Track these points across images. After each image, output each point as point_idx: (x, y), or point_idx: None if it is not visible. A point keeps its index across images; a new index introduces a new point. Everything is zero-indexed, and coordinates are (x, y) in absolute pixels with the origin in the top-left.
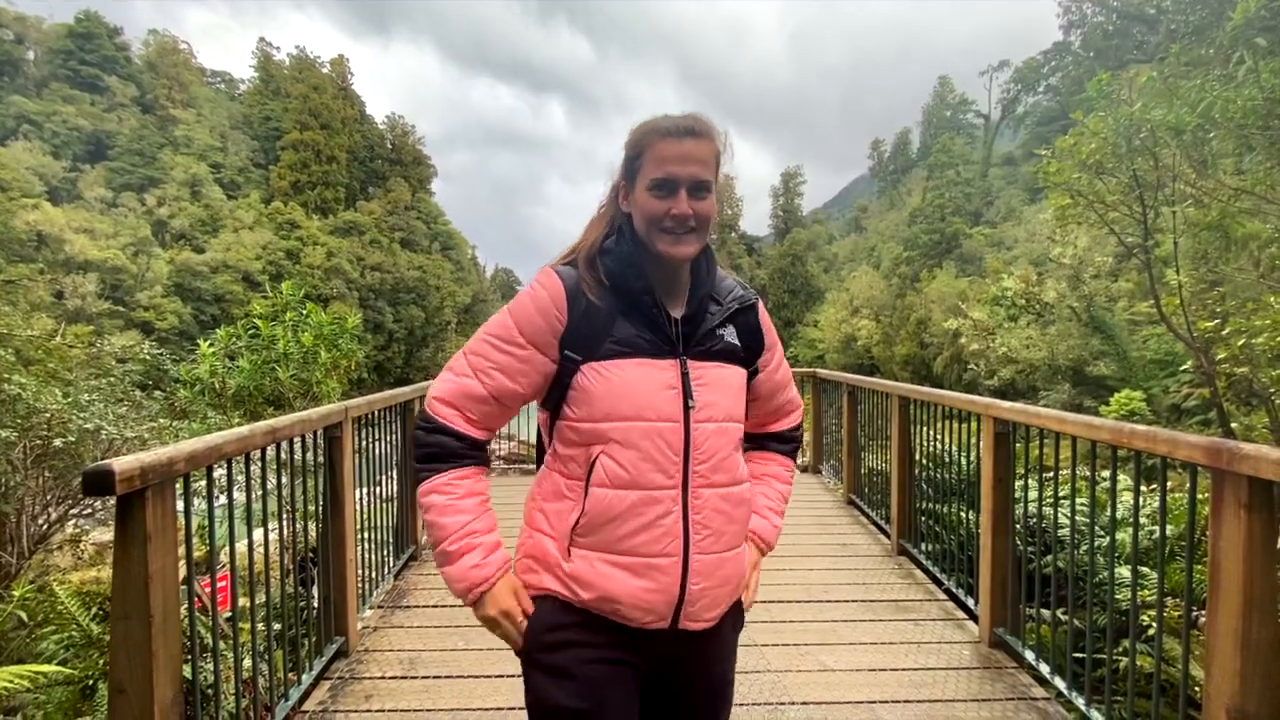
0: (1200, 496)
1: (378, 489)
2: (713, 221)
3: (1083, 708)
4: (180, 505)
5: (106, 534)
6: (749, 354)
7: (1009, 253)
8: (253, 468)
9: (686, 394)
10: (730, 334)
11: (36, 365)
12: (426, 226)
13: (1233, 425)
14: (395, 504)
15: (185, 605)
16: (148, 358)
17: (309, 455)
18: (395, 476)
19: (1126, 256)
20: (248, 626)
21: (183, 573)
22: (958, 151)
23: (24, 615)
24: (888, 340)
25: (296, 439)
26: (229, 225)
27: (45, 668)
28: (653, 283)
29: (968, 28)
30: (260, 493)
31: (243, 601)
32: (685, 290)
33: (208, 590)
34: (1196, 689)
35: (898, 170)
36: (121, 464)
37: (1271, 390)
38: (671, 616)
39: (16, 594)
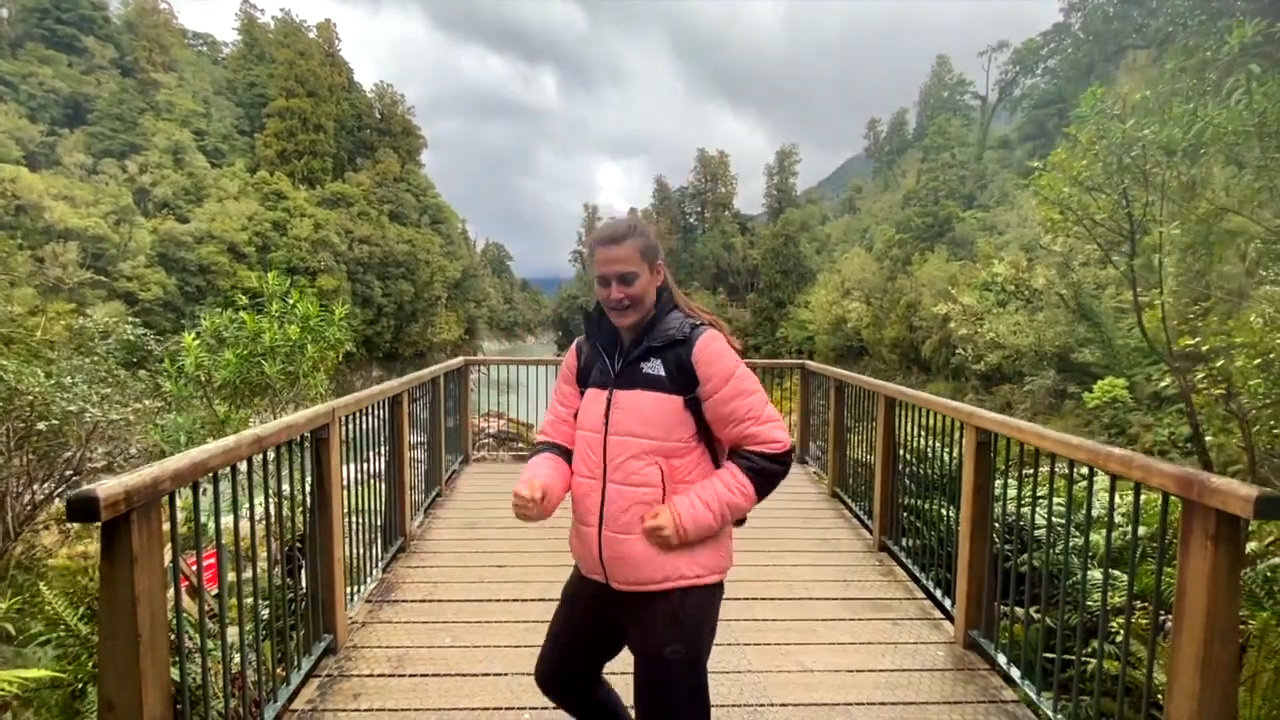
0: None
1: (365, 465)
2: (647, 294)
3: (1050, 714)
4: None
5: None
6: (680, 383)
7: (1000, 237)
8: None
9: (606, 414)
10: (654, 366)
11: (18, 344)
12: (416, 199)
13: (1208, 436)
14: (384, 496)
15: (173, 600)
16: (132, 338)
17: (296, 450)
18: (383, 455)
19: (1115, 246)
20: (235, 604)
21: (172, 562)
22: (954, 133)
23: (11, 628)
24: (877, 323)
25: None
26: (213, 195)
27: (33, 672)
28: (613, 338)
29: (967, 6)
30: (247, 484)
31: (231, 578)
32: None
33: (193, 570)
34: (1160, 694)
35: (893, 151)
36: (106, 490)
37: (1249, 407)
38: (603, 574)
39: (3, 606)
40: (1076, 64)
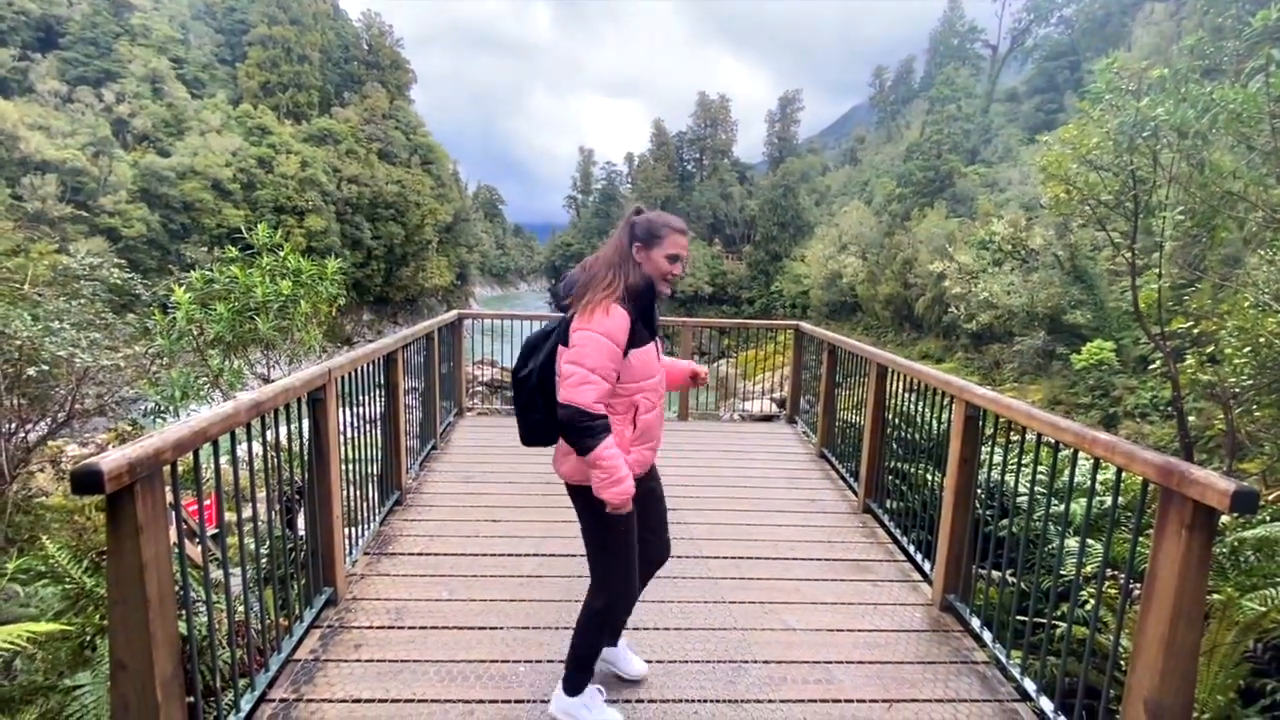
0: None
1: (360, 410)
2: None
3: (1017, 676)
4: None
5: (85, 449)
6: None
7: (1001, 195)
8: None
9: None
10: None
11: (2, 284)
12: (406, 138)
13: (1190, 416)
14: (380, 450)
15: (178, 571)
16: (118, 282)
17: (294, 410)
18: (379, 405)
19: (1117, 205)
20: (236, 552)
21: (176, 525)
22: (961, 84)
23: (21, 590)
24: (872, 279)
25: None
26: (195, 128)
27: (42, 626)
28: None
29: None
30: (247, 445)
31: (231, 537)
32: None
33: (194, 517)
34: (1124, 660)
35: (898, 101)
36: (109, 462)
37: (1235, 386)
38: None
39: (10, 566)
40: (1092, 15)
